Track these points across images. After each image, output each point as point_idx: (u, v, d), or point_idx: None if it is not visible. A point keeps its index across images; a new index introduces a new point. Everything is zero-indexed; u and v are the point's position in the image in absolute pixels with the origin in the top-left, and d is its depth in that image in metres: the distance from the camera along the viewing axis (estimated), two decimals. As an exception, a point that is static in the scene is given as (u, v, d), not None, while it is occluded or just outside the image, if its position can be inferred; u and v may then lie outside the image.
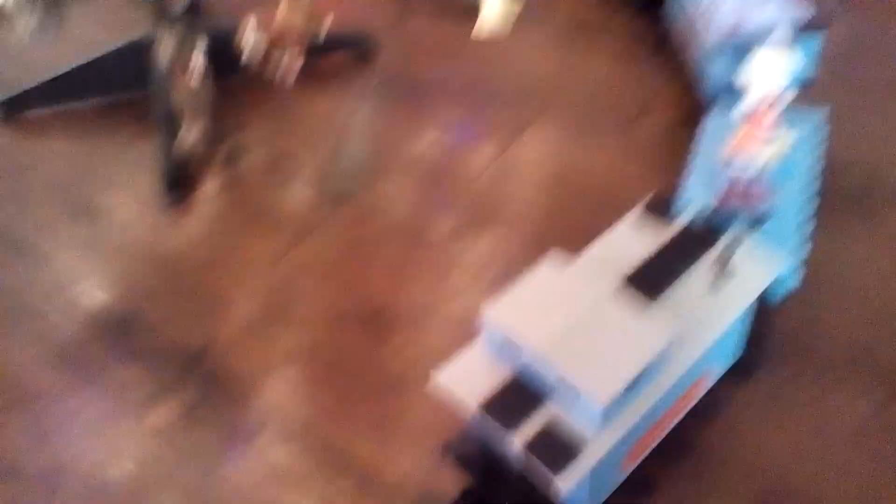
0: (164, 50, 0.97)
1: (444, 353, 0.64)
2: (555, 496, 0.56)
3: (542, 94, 1.23)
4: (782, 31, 0.86)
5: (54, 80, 1.25)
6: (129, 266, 1.05)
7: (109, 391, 0.89)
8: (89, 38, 1.30)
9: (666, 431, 0.68)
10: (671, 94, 1.19)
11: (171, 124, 1.05)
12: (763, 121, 0.80)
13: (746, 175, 0.80)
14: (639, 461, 0.67)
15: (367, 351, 0.89)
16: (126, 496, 0.77)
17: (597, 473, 0.57)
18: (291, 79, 1.04)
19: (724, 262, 0.65)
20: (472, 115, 1.19)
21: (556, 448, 0.56)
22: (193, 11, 1.00)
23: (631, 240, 0.68)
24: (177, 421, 0.85)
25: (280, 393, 0.87)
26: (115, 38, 1.24)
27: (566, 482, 0.55)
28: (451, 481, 0.70)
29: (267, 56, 0.99)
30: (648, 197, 0.74)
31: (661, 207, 0.72)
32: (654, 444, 0.68)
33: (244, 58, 0.99)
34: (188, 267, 1.04)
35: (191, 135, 1.02)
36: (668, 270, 0.65)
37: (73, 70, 1.24)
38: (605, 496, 0.65)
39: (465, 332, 0.64)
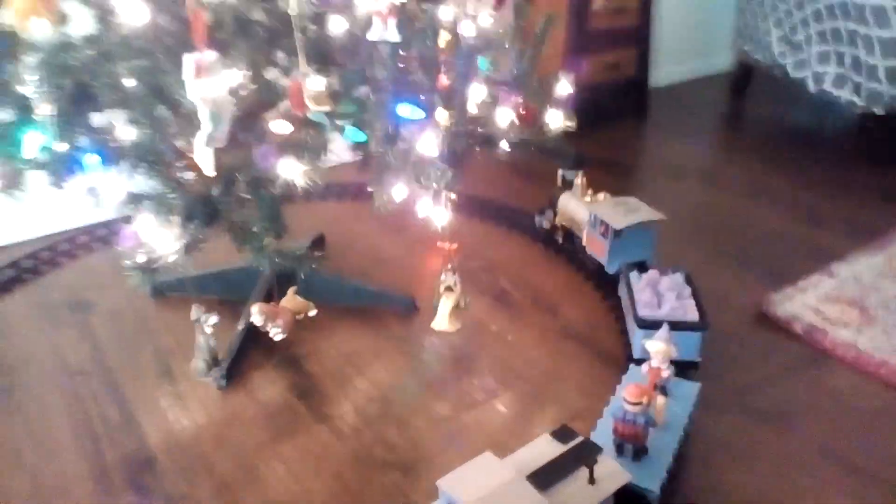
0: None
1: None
2: None
3: (515, 376, 1.45)
4: (667, 328, 1.23)
5: (192, 277, 1.61)
6: (171, 419, 1.34)
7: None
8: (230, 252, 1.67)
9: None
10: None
11: (213, 360, 1.36)
12: (648, 385, 1.16)
13: (631, 419, 1.11)
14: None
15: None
16: None
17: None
18: (277, 339, 1.33)
19: (591, 470, 1.00)
20: (468, 380, 1.44)
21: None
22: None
23: (539, 452, 1.05)
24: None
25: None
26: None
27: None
28: None
29: (264, 326, 1.31)
30: (556, 427, 1.09)
31: (562, 435, 1.08)
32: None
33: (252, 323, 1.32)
34: (206, 433, 1.31)
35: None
36: (555, 474, 1.02)
37: (206, 273, 1.65)
38: None
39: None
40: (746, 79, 3.07)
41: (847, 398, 1.37)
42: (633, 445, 1.11)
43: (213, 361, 1.29)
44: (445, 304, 1.25)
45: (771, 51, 2.67)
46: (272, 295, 1.26)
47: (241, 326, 1.48)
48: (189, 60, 0.88)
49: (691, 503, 1.15)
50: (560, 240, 1.87)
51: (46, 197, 1.95)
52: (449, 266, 1.22)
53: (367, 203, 2.14)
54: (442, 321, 1.26)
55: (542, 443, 1.06)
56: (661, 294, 1.45)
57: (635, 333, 1.40)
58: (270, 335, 1.25)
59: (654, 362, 1.21)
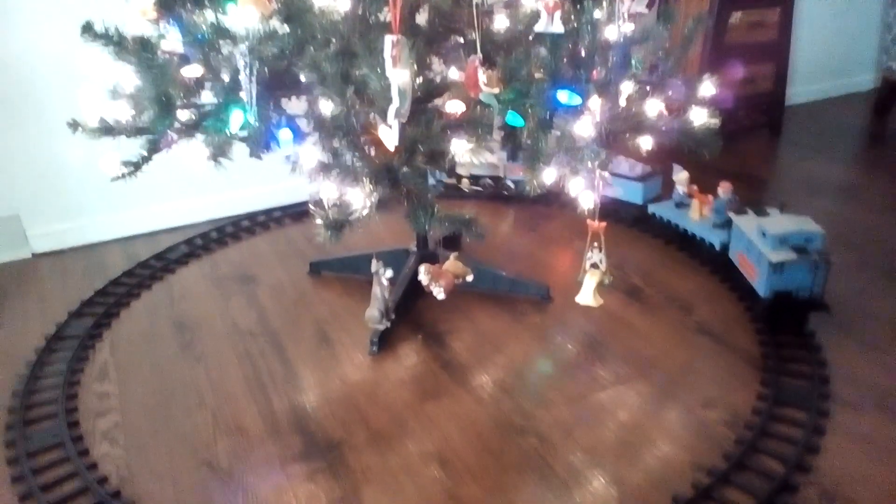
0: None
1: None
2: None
3: (648, 363, 1.50)
4: (677, 166, 1.99)
5: (346, 258, 1.87)
6: (329, 377, 1.50)
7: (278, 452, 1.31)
8: (380, 237, 1.88)
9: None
10: (738, 394, 1.41)
11: (386, 311, 1.55)
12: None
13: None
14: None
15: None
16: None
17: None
18: (439, 297, 1.45)
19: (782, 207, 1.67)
20: (601, 365, 1.50)
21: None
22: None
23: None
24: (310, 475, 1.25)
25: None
26: (396, 242, 1.80)
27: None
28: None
29: (428, 286, 1.46)
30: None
31: (738, 211, 1.73)
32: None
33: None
34: (359, 391, 1.44)
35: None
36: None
37: (358, 255, 1.81)
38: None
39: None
40: (891, 97, 2.97)
41: None
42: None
43: (386, 312, 1.43)
44: (590, 280, 1.32)
45: (920, 67, 2.58)
46: (437, 258, 1.39)
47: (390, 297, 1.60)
48: (388, 41, 1.02)
49: (828, 491, 1.16)
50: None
51: (215, 184, 2.19)
52: (595, 244, 1.29)
53: (501, 205, 2.29)
54: (586, 296, 1.34)
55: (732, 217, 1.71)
56: (630, 165, 2.28)
57: (638, 187, 2.23)
58: (433, 294, 1.37)
59: (682, 189, 1.96)
